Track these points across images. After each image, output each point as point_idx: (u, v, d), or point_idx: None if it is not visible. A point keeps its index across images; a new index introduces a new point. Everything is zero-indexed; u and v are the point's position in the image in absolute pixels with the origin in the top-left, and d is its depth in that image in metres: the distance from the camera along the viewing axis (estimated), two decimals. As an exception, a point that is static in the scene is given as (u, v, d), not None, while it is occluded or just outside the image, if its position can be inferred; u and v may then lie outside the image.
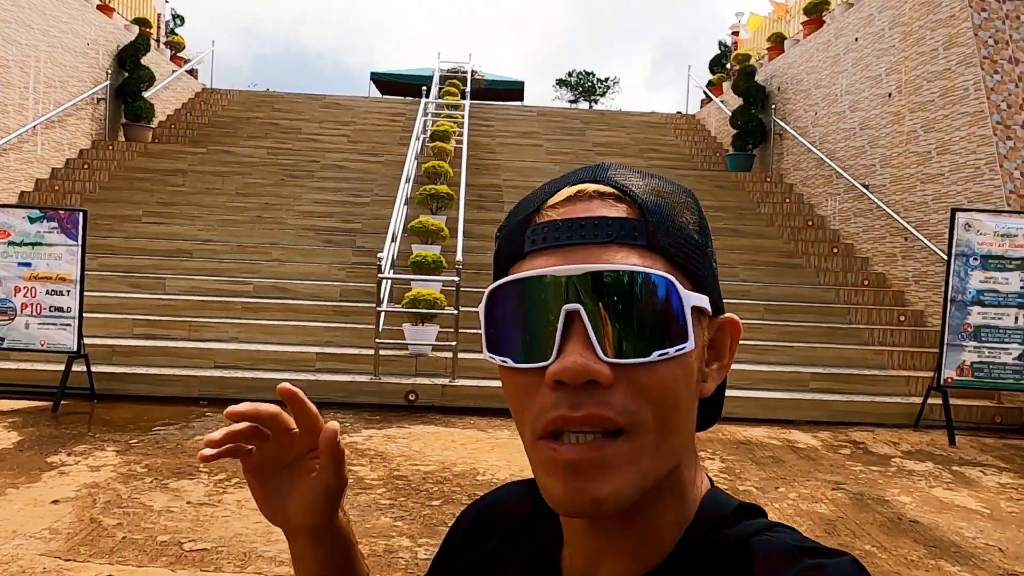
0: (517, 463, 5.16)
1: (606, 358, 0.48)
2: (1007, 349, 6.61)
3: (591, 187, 0.53)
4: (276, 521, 0.67)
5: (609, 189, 0.53)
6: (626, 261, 0.50)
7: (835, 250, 10.32)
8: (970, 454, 6.15)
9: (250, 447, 0.63)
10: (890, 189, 9.61)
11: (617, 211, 0.52)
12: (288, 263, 9.29)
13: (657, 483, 0.51)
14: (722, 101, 15.07)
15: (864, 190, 10.00)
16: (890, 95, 9.70)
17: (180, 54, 15.32)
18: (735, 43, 16.59)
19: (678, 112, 17.74)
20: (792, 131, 12.29)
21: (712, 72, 16.58)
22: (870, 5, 10.33)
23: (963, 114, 8.26)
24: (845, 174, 10.48)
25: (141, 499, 4.22)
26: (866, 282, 9.58)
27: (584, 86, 51.09)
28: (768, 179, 12.71)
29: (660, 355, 0.49)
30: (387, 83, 23.26)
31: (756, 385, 7.24)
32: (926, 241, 8.62)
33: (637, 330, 0.49)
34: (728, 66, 15.96)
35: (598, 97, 50.76)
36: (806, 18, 12.31)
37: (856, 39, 10.64)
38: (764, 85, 13.51)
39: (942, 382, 6.65)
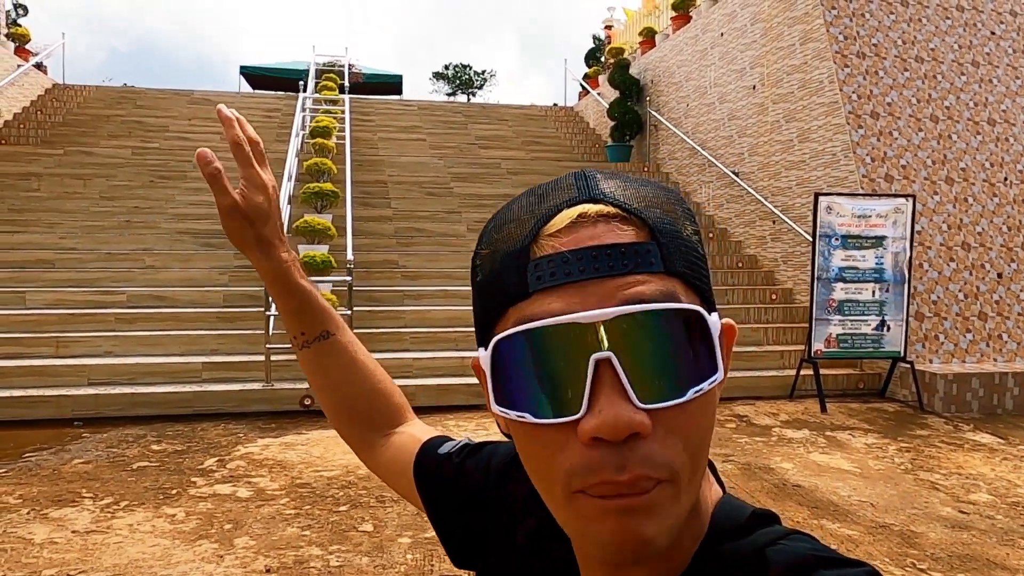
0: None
1: (642, 404, 0.44)
2: (866, 320, 7.22)
3: (592, 209, 0.49)
4: (238, 244, 0.83)
5: (612, 210, 0.49)
6: (647, 291, 0.46)
7: (711, 235, 10.87)
8: (839, 419, 6.68)
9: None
10: (758, 176, 10.23)
11: (626, 235, 0.48)
12: (164, 270, 8.79)
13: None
14: (599, 94, 15.50)
15: (735, 177, 10.59)
16: (754, 87, 10.31)
17: (26, 47, 14.11)
18: (608, 37, 17.08)
19: (555, 104, 18.11)
20: (666, 122, 12.82)
21: (588, 65, 17.02)
22: (732, 2, 10.91)
23: (820, 104, 8.89)
24: (717, 163, 11.05)
25: (18, 532, 3.90)
26: (740, 264, 10.15)
27: (461, 79, 51.06)
28: (646, 169, 13.19)
29: (696, 392, 0.46)
30: (258, 77, 22.39)
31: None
32: (792, 224, 9.24)
33: (672, 370, 0.45)
34: (603, 59, 16.41)
35: (476, 90, 50.93)
36: (674, 13, 12.85)
37: (721, 34, 11.22)
38: (638, 78, 14.00)
39: (812, 354, 7.18)
